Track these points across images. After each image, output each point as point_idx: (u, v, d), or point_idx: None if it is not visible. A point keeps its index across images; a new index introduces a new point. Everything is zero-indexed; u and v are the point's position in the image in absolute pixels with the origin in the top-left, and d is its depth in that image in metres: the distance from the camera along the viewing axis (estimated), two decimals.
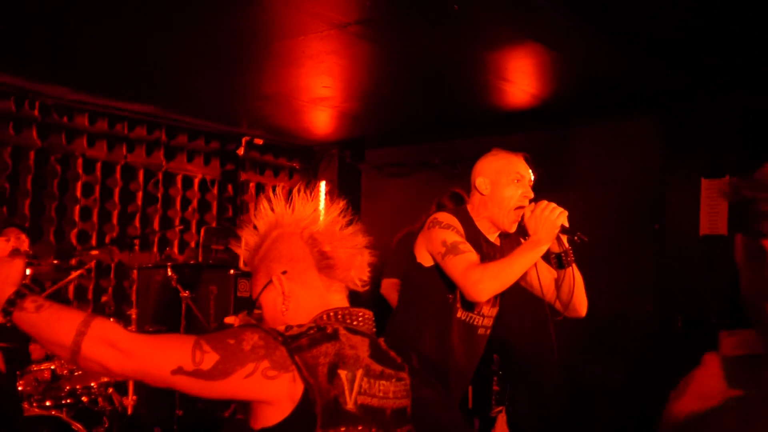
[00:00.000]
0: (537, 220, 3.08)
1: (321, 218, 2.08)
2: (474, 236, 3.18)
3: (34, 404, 4.38)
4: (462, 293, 3.05)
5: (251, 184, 7.59)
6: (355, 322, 1.92)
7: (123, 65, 5.13)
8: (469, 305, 3.18)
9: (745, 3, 3.60)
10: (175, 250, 6.92)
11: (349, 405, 1.76)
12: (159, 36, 4.47)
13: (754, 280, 1.24)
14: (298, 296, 1.97)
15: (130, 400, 5.64)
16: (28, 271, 4.25)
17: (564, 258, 3.26)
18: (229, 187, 7.40)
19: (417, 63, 4.76)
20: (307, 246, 2.01)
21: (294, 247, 2.02)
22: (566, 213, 3.14)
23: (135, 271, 6.08)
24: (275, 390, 1.71)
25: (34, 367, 4.50)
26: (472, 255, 3.03)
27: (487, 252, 3.20)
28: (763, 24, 3.82)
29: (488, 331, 3.37)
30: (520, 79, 5.02)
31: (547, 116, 5.85)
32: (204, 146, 7.15)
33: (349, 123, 6.57)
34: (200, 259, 5.76)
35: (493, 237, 3.30)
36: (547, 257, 3.26)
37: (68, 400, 4.48)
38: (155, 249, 6.75)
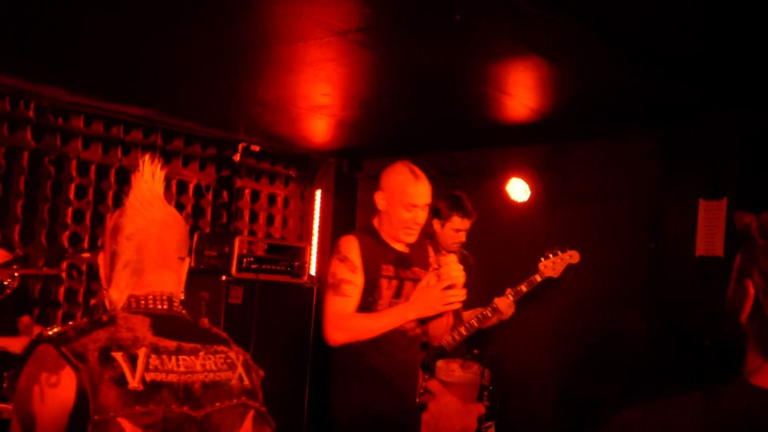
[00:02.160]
0: (422, 293, 3.44)
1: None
2: (380, 249, 3.56)
3: None
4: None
5: (247, 191, 7.54)
6: (143, 303, 1.92)
7: (120, 68, 5.10)
8: None
9: (748, 22, 3.57)
10: None
11: (133, 384, 1.72)
12: (157, 39, 4.44)
13: (737, 298, 1.38)
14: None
15: None
16: (15, 274, 4.22)
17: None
18: (224, 194, 7.35)
19: (416, 73, 4.74)
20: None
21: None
22: (460, 297, 3.47)
23: None
24: (68, 390, 1.69)
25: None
26: (348, 301, 3.41)
27: (397, 262, 3.58)
28: (765, 43, 3.80)
29: (417, 330, 3.68)
30: (520, 93, 5.00)
31: (545, 130, 5.83)
32: (200, 151, 7.11)
33: (347, 132, 6.55)
34: (192, 264, 5.71)
35: (401, 246, 3.63)
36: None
37: None
38: None
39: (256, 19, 3.99)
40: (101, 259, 2.06)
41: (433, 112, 5.75)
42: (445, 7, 3.57)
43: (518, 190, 5.95)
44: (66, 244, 6.19)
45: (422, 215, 3.60)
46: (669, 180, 5.37)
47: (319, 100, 5.49)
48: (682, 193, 5.29)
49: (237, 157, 7.11)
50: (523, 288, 4.60)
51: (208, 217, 7.22)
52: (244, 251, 5.58)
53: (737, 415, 1.26)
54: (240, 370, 1.92)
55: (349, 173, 7.61)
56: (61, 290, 6.19)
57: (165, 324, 1.88)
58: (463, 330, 4.56)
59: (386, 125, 6.30)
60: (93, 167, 6.37)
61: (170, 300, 1.95)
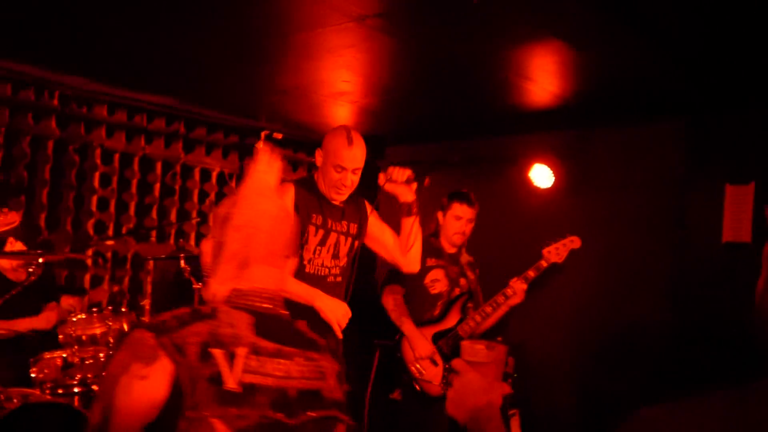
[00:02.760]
0: (331, 305, 3.70)
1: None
2: (314, 199, 3.85)
3: (47, 391, 4.39)
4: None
5: (401, 210, 7.54)
6: (246, 299, 1.85)
7: (143, 57, 5.12)
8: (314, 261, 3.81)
9: None
10: (192, 242, 6.91)
11: (230, 384, 1.66)
12: (179, 28, 4.45)
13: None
14: None
15: None
16: (41, 260, 4.26)
17: (411, 208, 4.01)
18: None
19: (437, 59, 4.72)
20: None
21: None
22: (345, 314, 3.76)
23: (150, 262, 6.07)
24: (159, 383, 1.64)
25: (47, 355, 4.51)
26: None
27: (327, 213, 3.86)
28: None
29: (338, 279, 3.94)
30: (543, 78, 4.96)
31: (568, 116, 5.78)
32: (223, 139, 7.13)
33: (368, 119, 6.54)
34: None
35: (336, 201, 3.92)
36: (397, 207, 4.07)
37: (80, 389, 4.48)
38: (171, 241, 6.74)
39: (275, 6, 3.99)
40: (206, 247, 1.98)
41: (454, 99, 5.72)
42: None
43: (541, 176, 5.92)
44: (91, 231, 6.25)
45: (351, 178, 3.87)
46: (694, 165, 5.32)
47: (340, 87, 5.48)
48: (708, 179, 5.24)
49: (260, 145, 7.12)
50: (531, 273, 4.75)
51: None
52: None
53: None
54: (331, 380, 1.85)
55: (371, 161, 7.59)
56: (87, 277, 6.25)
57: (266, 324, 1.81)
58: (477, 317, 4.62)
59: (408, 112, 6.28)
60: (117, 156, 6.42)
61: (273, 299, 1.89)
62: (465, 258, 5.00)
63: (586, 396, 5.77)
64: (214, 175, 7.12)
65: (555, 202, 5.97)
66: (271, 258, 1.92)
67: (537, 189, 5.96)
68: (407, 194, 4.04)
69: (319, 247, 3.86)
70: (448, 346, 4.67)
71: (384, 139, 7.47)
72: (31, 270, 4.26)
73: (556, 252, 4.81)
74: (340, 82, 5.31)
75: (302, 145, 7.75)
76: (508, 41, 4.30)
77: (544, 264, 4.78)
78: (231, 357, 1.68)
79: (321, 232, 3.87)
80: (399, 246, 4.06)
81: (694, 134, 5.37)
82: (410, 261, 4.08)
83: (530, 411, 5.63)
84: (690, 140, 5.39)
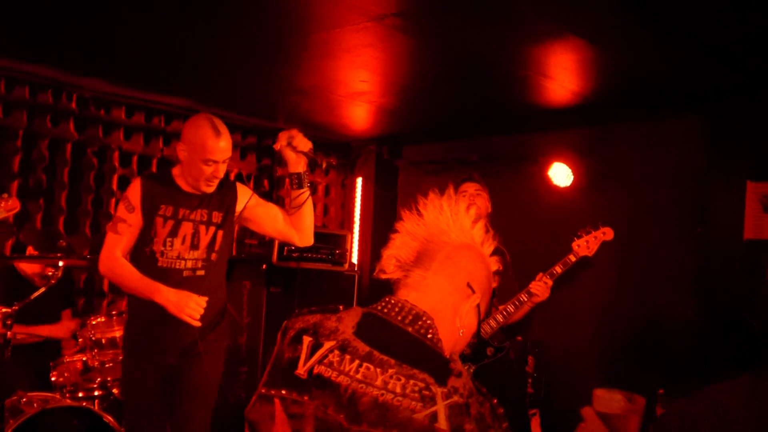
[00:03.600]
0: (183, 294, 3.58)
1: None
2: (164, 192, 3.72)
3: (67, 395, 4.40)
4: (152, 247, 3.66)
5: (287, 180, 7.55)
6: (382, 309, 1.77)
7: (160, 58, 5.12)
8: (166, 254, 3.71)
9: None
10: None
11: (300, 370, 1.67)
12: (196, 29, 4.44)
13: None
14: None
15: None
16: (60, 263, 4.26)
17: (301, 178, 3.77)
18: (265, 182, 7.37)
19: (455, 57, 4.69)
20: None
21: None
22: (195, 315, 3.59)
23: None
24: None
25: (67, 358, 4.52)
26: (119, 239, 3.66)
27: (180, 202, 3.73)
28: None
29: (198, 272, 3.77)
30: (561, 76, 4.92)
31: (587, 113, 5.74)
32: (240, 141, 7.13)
33: (386, 118, 6.52)
34: (234, 253, 5.74)
35: (194, 189, 3.77)
36: (287, 177, 3.96)
37: (99, 392, 4.49)
38: None
39: (292, 6, 3.97)
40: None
41: (472, 97, 5.69)
42: None
43: (561, 174, 5.88)
44: None
45: (222, 168, 3.73)
46: (715, 161, 5.27)
47: (357, 87, 5.46)
48: (729, 175, 5.18)
49: (277, 146, 7.11)
50: (558, 269, 4.54)
51: None
52: None
53: None
54: (440, 409, 1.56)
55: (390, 160, 7.59)
56: (105, 280, 6.26)
57: (375, 328, 1.73)
58: (500, 317, 4.52)
59: (426, 111, 6.26)
60: (135, 158, 6.43)
61: (417, 317, 1.75)
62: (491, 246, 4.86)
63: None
64: (232, 176, 7.11)
65: (575, 200, 5.92)
66: (451, 272, 1.82)
67: (556, 187, 5.92)
68: (298, 165, 3.77)
69: (170, 239, 3.69)
70: (469, 347, 4.60)
71: (401, 138, 7.45)
72: (50, 274, 4.27)
73: (586, 245, 4.60)
74: (358, 81, 5.29)
75: (320, 145, 7.74)
76: (527, 39, 4.26)
77: (572, 258, 4.58)
78: (315, 347, 1.69)
79: (170, 222, 3.71)
80: (290, 221, 3.89)
81: (714, 130, 5.32)
82: (303, 235, 3.92)
83: (550, 410, 5.60)
84: (711, 136, 5.33)
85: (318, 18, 4.12)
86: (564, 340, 5.97)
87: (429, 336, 1.72)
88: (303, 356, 1.69)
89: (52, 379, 4.46)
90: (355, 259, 7.40)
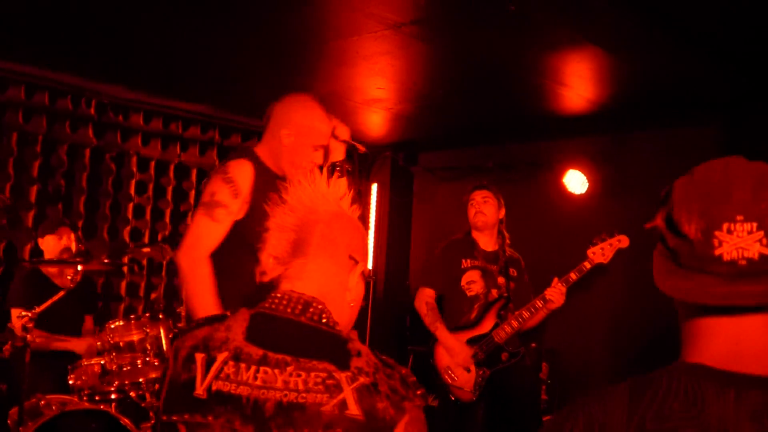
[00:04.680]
0: None
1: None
2: (269, 182, 3.10)
3: (84, 398, 4.42)
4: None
5: (326, 169, 7.58)
6: (270, 305, 1.69)
7: (178, 65, 5.17)
8: None
9: None
10: None
11: (198, 390, 1.58)
12: (214, 36, 4.48)
13: None
14: None
15: None
16: (79, 267, 4.30)
17: (342, 166, 3.57)
18: None
19: (471, 65, 4.71)
20: None
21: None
22: None
23: None
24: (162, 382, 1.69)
25: (84, 362, 4.55)
26: (217, 228, 3.02)
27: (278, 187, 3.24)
28: None
29: None
30: (577, 84, 4.93)
31: (603, 121, 5.74)
32: None
33: (402, 125, 6.54)
34: None
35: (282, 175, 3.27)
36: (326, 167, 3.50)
37: (117, 395, 4.51)
38: None
39: (310, 14, 4.00)
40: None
41: (488, 104, 5.71)
42: None
43: (576, 182, 5.88)
44: (127, 239, 6.31)
45: (320, 159, 3.40)
46: None
47: (374, 94, 5.49)
48: None
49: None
50: (573, 276, 4.53)
51: None
52: None
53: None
54: (347, 395, 1.53)
55: (405, 167, 7.60)
56: (123, 284, 6.31)
57: (267, 328, 1.65)
58: (515, 322, 4.52)
59: (442, 118, 6.27)
60: (153, 163, 6.48)
61: (307, 305, 1.68)
62: (507, 254, 4.88)
63: None
64: None
65: (590, 207, 5.92)
66: (331, 250, 1.74)
67: (572, 195, 5.92)
68: (339, 153, 3.53)
69: None
70: (483, 352, 4.59)
71: (417, 145, 7.47)
72: (69, 277, 4.31)
73: (601, 252, 4.58)
74: (375, 88, 5.32)
75: None
76: (544, 47, 4.28)
77: (587, 265, 4.56)
78: (209, 362, 1.61)
79: None
80: None
81: (731, 137, 5.31)
82: None
83: None
84: (727, 143, 5.32)
85: (336, 26, 4.16)
86: (577, 347, 5.96)
87: (324, 321, 1.67)
88: (199, 375, 1.60)
89: (70, 382, 4.48)
90: (369, 265, 7.42)
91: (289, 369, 1.56)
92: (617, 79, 4.83)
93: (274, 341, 1.61)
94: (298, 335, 1.63)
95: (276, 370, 1.56)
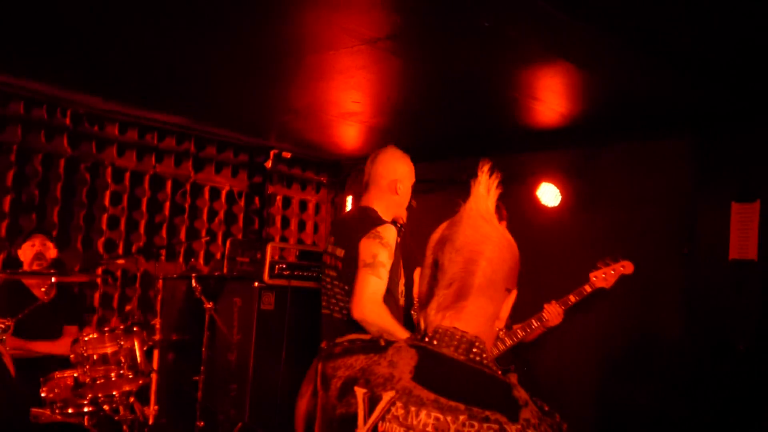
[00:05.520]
0: None
1: None
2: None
3: (57, 411, 4.40)
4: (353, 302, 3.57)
5: (278, 197, 7.60)
6: (431, 340, 1.59)
7: (154, 76, 5.17)
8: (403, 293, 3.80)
9: None
10: (201, 261, 6.94)
11: (361, 429, 1.47)
12: (191, 48, 4.49)
13: None
14: None
15: (151, 409, 5.66)
16: (53, 279, 4.30)
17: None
18: (256, 200, 7.42)
19: (446, 79, 4.75)
20: None
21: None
22: None
23: (160, 281, 6.11)
24: (303, 407, 1.62)
25: (57, 374, 4.52)
26: (383, 285, 3.58)
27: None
28: None
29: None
30: (550, 98, 4.99)
31: (576, 135, 5.81)
32: (232, 158, 7.18)
33: (377, 138, 6.57)
34: (225, 270, 5.77)
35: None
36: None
37: (90, 408, 4.50)
38: (181, 259, 6.77)
39: (287, 29, 4.03)
40: (418, 276, 1.74)
41: (462, 118, 5.76)
42: (474, 14, 3.58)
43: (549, 195, 5.94)
44: (101, 249, 6.29)
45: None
46: (701, 183, 5.34)
47: (349, 107, 5.52)
48: (715, 196, 5.25)
49: (269, 164, 7.16)
50: (572, 298, 4.51)
51: (240, 223, 7.29)
52: (276, 257, 5.62)
53: None
54: None
55: None
56: (96, 296, 6.28)
57: (434, 368, 1.54)
58: (507, 340, 4.54)
59: (417, 131, 6.32)
60: (127, 174, 6.47)
61: (471, 344, 1.58)
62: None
63: (600, 410, 5.76)
64: (224, 193, 7.16)
65: (563, 221, 5.98)
66: (492, 289, 1.63)
67: (545, 207, 5.98)
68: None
69: (403, 279, 3.83)
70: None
71: None
72: (43, 289, 4.30)
73: (603, 278, 4.51)
74: (350, 102, 5.36)
75: (311, 164, 7.80)
76: (517, 62, 4.33)
77: (588, 289, 4.51)
78: (374, 400, 1.50)
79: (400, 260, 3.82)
80: None
81: (701, 152, 5.38)
82: None
83: None
84: (697, 158, 5.40)
85: (312, 40, 4.18)
86: (552, 359, 6.00)
87: (485, 363, 1.58)
88: (361, 412, 1.49)
89: (42, 394, 4.46)
90: None
91: (461, 417, 1.44)
92: (589, 93, 4.88)
93: (445, 385, 1.50)
94: (467, 379, 1.52)
95: (449, 417, 1.45)
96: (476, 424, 1.42)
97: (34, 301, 4.56)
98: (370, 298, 3.54)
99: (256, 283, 5.41)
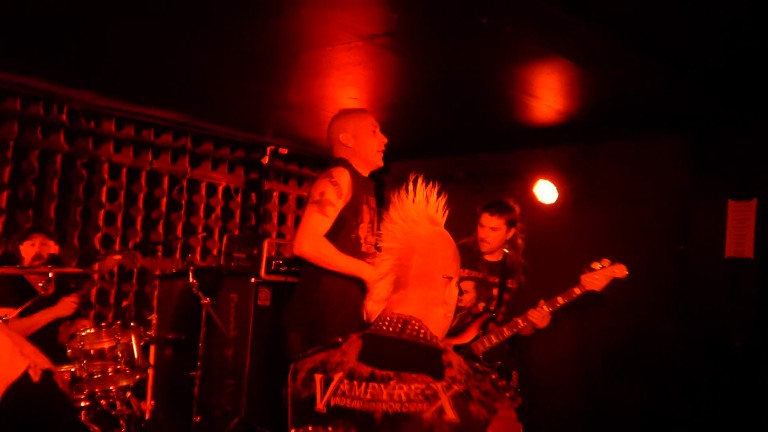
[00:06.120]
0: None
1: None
2: (358, 180, 3.81)
3: None
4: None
5: (275, 194, 7.61)
6: (376, 327, 1.96)
7: (151, 72, 5.17)
8: (368, 240, 3.81)
9: None
10: (198, 256, 6.95)
11: (319, 406, 1.85)
12: (187, 44, 4.49)
13: None
14: None
15: (148, 404, 5.67)
16: (50, 275, 4.29)
17: None
18: (253, 196, 7.42)
19: (443, 76, 4.76)
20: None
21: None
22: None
23: (157, 277, 6.11)
24: (284, 399, 1.96)
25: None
26: (327, 222, 3.62)
27: (368, 191, 3.92)
28: None
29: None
30: (547, 95, 5.00)
31: (572, 132, 5.82)
32: (229, 154, 7.18)
33: None
34: (222, 266, 5.77)
35: (366, 173, 3.98)
36: None
37: (87, 403, 4.50)
38: (177, 255, 6.78)
39: (284, 25, 4.03)
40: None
41: (459, 115, 5.77)
42: (472, 12, 3.59)
43: (545, 191, 5.94)
44: (98, 245, 6.28)
45: (384, 137, 4.07)
46: (697, 181, 5.35)
47: (346, 104, 5.52)
48: (711, 194, 5.26)
49: (265, 160, 7.16)
50: (560, 300, 4.44)
51: (237, 219, 7.30)
52: (273, 253, 5.63)
53: None
54: (444, 402, 1.75)
55: (377, 175, 7.62)
56: (93, 291, 6.28)
57: (374, 348, 1.91)
58: (493, 337, 4.55)
59: (414, 128, 6.32)
60: (124, 170, 6.47)
61: (405, 323, 1.93)
62: (509, 266, 4.87)
63: (595, 408, 5.77)
64: (220, 189, 7.16)
65: (559, 218, 5.99)
66: (428, 278, 1.99)
67: (541, 204, 5.98)
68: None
69: (370, 225, 3.83)
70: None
71: (389, 154, 7.49)
72: (41, 284, 4.30)
73: (594, 280, 4.38)
74: (347, 98, 5.36)
75: (308, 160, 7.80)
76: (514, 59, 4.34)
77: (577, 291, 4.41)
78: (327, 381, 1.87)
79: (368, 210, 3.86)
80: None
81: (697, 149, 5.40)
82: None
83: (535, 425, 5.64)
84: (693, 155, 5.41)
85: (309, 36, 4.19)
86: (546, 356, 6.01)
87: (421, 336, 1.91)
88: (318, 392, 1.86)
89: None
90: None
91: (392, 383, 1.80)
92: (586, 91, 4.89)
93: (381, 359, 1.86)
94: (400, 352, 1.88)
95: (381, 385, 1.81)
96: (404, 386, 1.78)
97: (34, 295, 4.56)
98: (309, 234, 3.60)
99: (253, 279, 5.42)
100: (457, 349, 4.66)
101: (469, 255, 4.83)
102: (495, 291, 4.84)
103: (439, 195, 2.12)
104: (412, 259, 1.97)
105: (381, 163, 4.06)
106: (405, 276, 1.97)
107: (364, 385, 1.83)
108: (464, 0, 3.49)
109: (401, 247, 1.99)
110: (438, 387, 1.76)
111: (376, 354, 1.88)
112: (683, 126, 5.42)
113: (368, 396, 1.81)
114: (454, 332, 4.71)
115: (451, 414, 1.74)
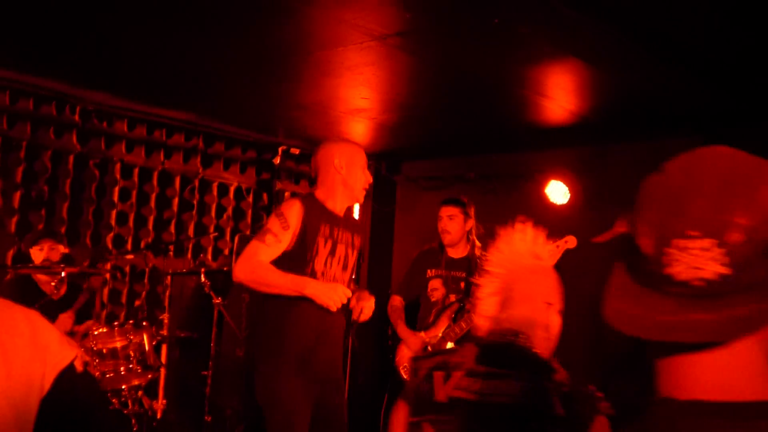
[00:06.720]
0: (329, 285, 3.66)
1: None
2: (324, 212, 3.80)
3: None
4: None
5: (286, 194, 7.61)
6: (490, 337, 2.24)
7: (163, 73, 5.18)
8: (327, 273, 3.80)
9: None
10: (209, 256, 6.96)
11: (439, 396, 2.11)
12: (200, 44, 4.50)
13: None
14: None
15: (159, 404, 5.67)
16: (63, 273, 4.32)
17: None
18: (264, 196, 7.42)
19: (455, 76, 4.76)
20: None
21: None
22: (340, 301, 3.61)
23: (168, 277, 6.12)
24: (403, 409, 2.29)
25: None
26: (264, 249, 3.61)
27: (333, 224, 3.83)
28: None
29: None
30: (560, 96, 4.99)
31: (584, 133, 5.80)
32: (240, 155, 7.19)
33: (385, 135, 6.57)
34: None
35: (339, 210, 3.91)
36: None
37: None
38: (189, 255, 6.79)
39: (296, 25, 4.03)
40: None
41: (471, 115, 5.76)
42: (484, 11, 3.58)
43: (557, 192, 5.93)
44: (110, 245, 6.30)
45: (370, 176, 4.04)
46: None
47: (358, 104, 5.53)
48: None
49: (277, 160, 7.17)
50: None
51: (249, 219, 7.30)
52: None
53: None
54: (553, 399, 2.02)
55: (388, 176, 7.64)
56: (105, 291, 6.30)
57: (490, 353, 2.17)
58: (463, 324, 4.86)
59: (425, 128, 6.32)
60: (136, 170, 6.48)
61: (517, 334, 2.19)
62: (476, 260, 5.04)
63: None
64: (232, 189, 7.17)
65: (571, 218, 5.97)
66: (530, 303, 2.25)
67: (553, 205, 5.97)
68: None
69: (329, 258, 3.78)
70: (432, 347, 4.82)
71: (400, 155, 7.51)
72: (53, 284, 4.32)
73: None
74: (359, 98, 5.36)
75: None
76: (527, 60, 4.33)
77: None
78: (447, 378, 2.12)
79: (329, 242, 3.80)
80: None
81: None
82: None
83: None
84: None
85: (321, 36, 4.19)
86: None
87: (529, 345, 2.19)
88: (438, 387, 2.12)
89: None
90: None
91: (506, 380, 2.05)
92: (599, 91, 4.88)
93: (496, 362, 2.12)
94: (514, 356, 2.15)
95: (497, 381, 2.05)
96: (517, 384, 2.04)
97: (43, 297, 4.58)
98: (242, 259, 3.65)
99: None
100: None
101: (434, 256, 5.21)
102: (462, 285, 5.08)
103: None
104: (516, 285, 2.26)
105: (362, 200, 4.13)
106: (510, 299, 2.24)
107: (480, 381, 2.07)
108: (477, 0, 3.49)
109: (506, 273, 2.27)
110: (548, 386, 2.03)
111: (491, 357, 2.14)
112: (696, 127, 5.39)
113: (488, 390, 2.05)
114: (428, 326, 4.95)
115: (559, 409, 1.99)
